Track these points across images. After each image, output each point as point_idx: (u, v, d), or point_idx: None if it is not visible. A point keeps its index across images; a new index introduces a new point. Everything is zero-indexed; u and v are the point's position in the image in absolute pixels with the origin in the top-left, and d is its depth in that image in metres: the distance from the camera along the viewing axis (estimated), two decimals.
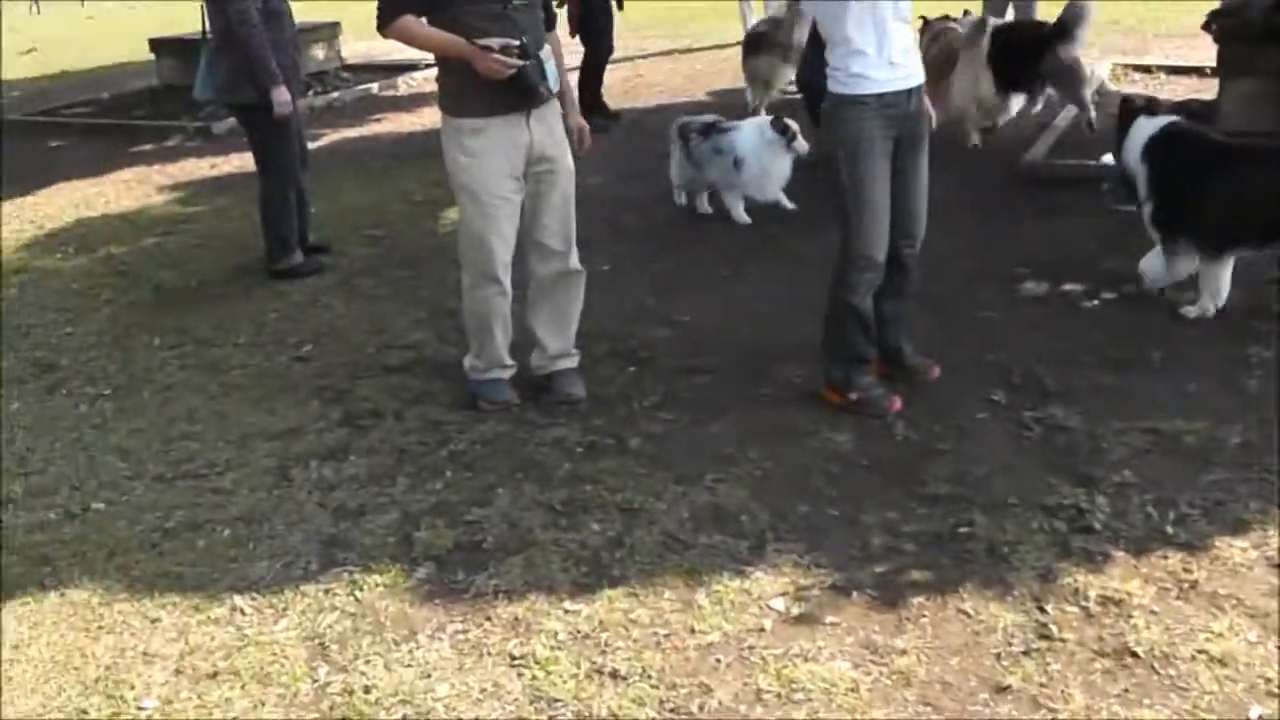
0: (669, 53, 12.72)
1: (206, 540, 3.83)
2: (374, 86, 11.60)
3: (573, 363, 4.70)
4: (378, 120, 10.40)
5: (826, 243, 6.35)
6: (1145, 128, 4.90)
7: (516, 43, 4.08)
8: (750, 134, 6.65)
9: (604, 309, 5.31)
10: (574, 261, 4.59)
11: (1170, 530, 3.51)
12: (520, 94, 4.16)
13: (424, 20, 4.14)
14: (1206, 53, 9.44)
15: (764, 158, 6.62)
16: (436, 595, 3.47)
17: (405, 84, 11.78)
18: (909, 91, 4.07)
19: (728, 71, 11.41)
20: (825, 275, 5.73)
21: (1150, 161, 4.85)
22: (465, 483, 4.06)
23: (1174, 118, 4.96)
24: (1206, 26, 7.07)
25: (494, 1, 4.10)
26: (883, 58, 3.97)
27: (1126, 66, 9.43)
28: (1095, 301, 5.20)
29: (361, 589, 3.52)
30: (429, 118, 10.25)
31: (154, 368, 5.25)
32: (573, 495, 3.92)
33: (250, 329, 5.62)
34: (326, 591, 3.52)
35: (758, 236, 6.55)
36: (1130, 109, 5.02)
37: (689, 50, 12.73)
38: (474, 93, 4.16)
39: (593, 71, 9.28)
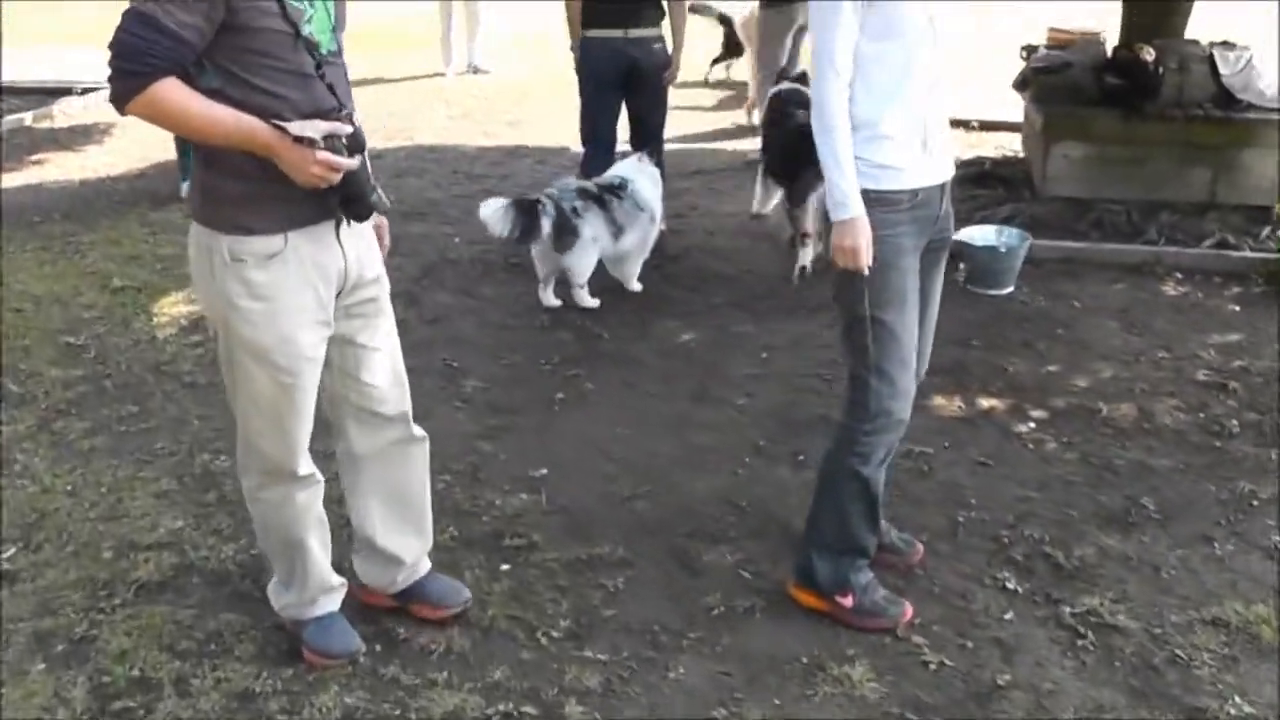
0: (359, 82, 11.03)
1: None
2: (27, 116, 9.25)
3: (429, 563, 3.29)
4: (39, 163, 8.19)
5: (661, 342, 5.19)
6: (776, 90, 6.30)
7: (348, 129, 2.56)
8: (646, 181, 5.53)
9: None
10: (415, 427, 3.14)
11: None
12: (342, 205, 2.64)
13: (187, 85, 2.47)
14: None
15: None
16: None
17: (62, 112, 9.54)
18: (942, 186, 3.02)
19: (439, 108, 10.06)
20: (681, 392, 4.66)
21: (768, 116, 6.29)
22: None
23: (794, 85, 6.17)
24: (1020, 86, 6.53)
25: (303, 52, 2.56)
26: (916, 143, 2.89)
27: None
28: (1030, 425, 4.37)
29: None
30: (99, 159, 8.25)
31: None
32: None
33: None
34: None
35: (570, 335, 5.29)
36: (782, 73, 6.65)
37: (380, 80, 11.14)
38: (264, 198, 2.59)
39: None
